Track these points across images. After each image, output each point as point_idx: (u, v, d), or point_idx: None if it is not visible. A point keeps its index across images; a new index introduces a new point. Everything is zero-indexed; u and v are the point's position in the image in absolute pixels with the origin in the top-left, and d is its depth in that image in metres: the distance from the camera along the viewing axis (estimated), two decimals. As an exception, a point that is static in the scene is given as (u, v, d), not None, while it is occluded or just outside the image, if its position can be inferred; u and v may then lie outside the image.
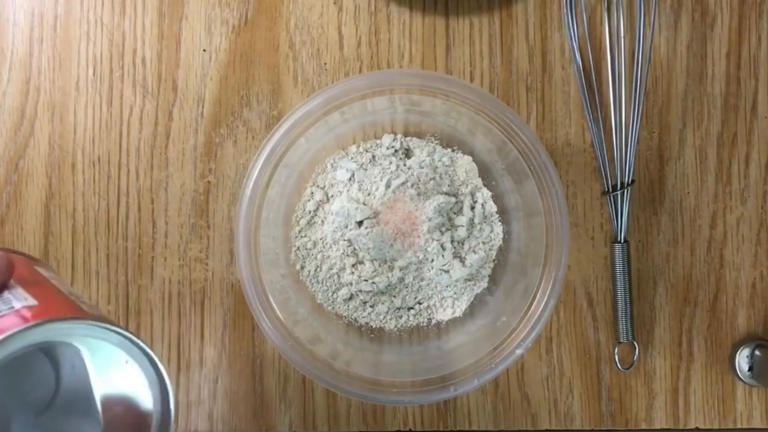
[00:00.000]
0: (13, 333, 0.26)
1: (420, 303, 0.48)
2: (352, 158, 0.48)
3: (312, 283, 0.48)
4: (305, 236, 0.48)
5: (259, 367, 0.51)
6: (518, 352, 0.43)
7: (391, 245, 0.46)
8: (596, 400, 0.51)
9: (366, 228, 0.46)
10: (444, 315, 0.48)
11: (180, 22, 0.51)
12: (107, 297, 0.51)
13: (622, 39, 0.50)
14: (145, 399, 0.30)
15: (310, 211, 0.48)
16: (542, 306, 0.43)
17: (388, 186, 0.46)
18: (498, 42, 0.52)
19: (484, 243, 0.48)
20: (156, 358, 0.29)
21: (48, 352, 0.30)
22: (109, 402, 0.30)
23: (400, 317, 0.48)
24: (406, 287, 0.47)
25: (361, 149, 0.48)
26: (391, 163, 0.47)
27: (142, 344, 0.29)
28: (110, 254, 0.51)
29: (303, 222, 0.48)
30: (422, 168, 0.46)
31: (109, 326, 0.29)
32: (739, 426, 0.51)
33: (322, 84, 0.51)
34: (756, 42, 0.52)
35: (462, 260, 0.47)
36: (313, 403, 0.51)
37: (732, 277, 0.52)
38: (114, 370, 0.30)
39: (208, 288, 0.51)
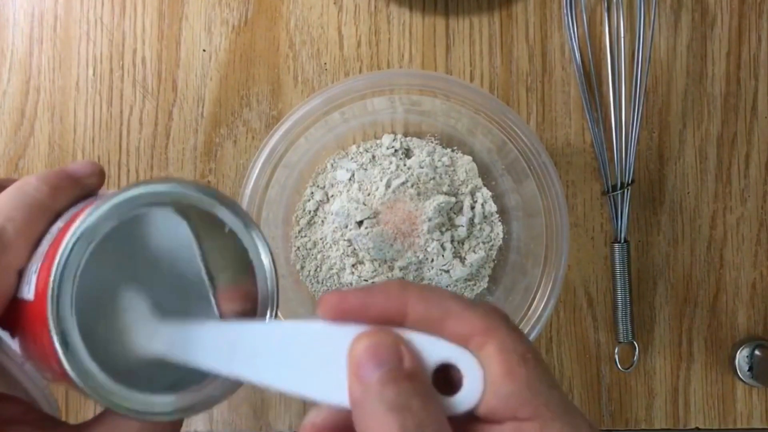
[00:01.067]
0: (121, 193, 0.27)
1: (420, 303, 0.48)
2: (352, 158, 0.48)
3: (312, 284, 0.48)
4: (305, 236, 0.48)
5: (259, 367, 0.51)
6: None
7: (391, 245, 0.46)
8: (596, 400, 0.51)
9: (366, 228, 0.46)
10: (444, 315, 0.48)
11: (180, 22, 0.51)
12: (107, 297, 0.51)
13: (622, 39, 0.50)
14: (248, 269, 0.29)
15: (310, 211, 0.48)
16: (542, 306, 0.43)
17: (388, 186, 0.46)
18: (498, 42, 0.52)
19: (484, 243, 0.48)
20: (255, 226, 0.29)
21: (149, 225, 0.30)
22: (215, 272, 0.30)
23: (400, 317, 0.48)
24: (406, 287, 0.47)
25: (361, 149, 0.48)
26: (391, 163, 0.47)
27: (240, 211, 0.29)
28: (110, 254, 0.51)
29: (303, 222, 0.48)
30: (422, 168, 0.46)
31: (207, 190, 0.28)
32: (739, 426, 0.51)
33: (322, 84, 0.51)
34: (756, 42, 0.52)
35: (462, 260, 0.47)
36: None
37: (732, 277, 0.52)
38: (216, 241, 0.29)
39: (208, 288, 0.51)
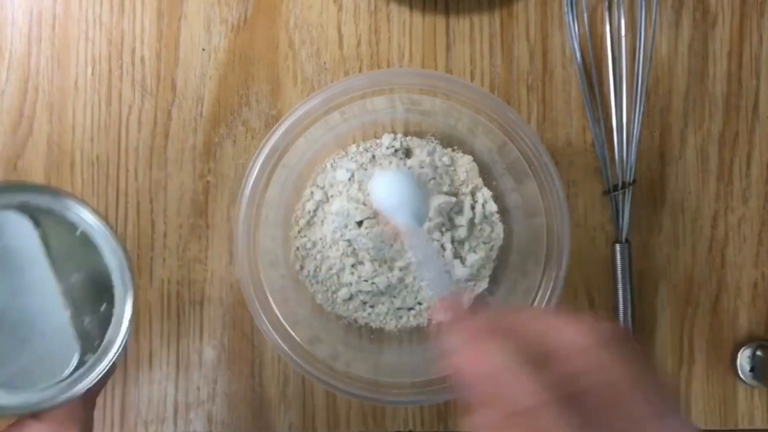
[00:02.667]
0: None
1: (420, 303, 0.48)
2: (351, 158, 0.48)
3: (312, 284, 0.48)
4: (305, 236, 0.48)
5: (258, 368, 0.50)
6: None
7: (391, 245, 0.46)
8: (597, 401, 0.51)
9: (366, 228, 0.45)
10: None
11: (179, 21, 0.51)
12: (106, 297, 0.50)
13: (624, 38, 0.50)
14: (102, 267, 0.32)
15: (309, 211, 0.48)
16: (543, 306, 0.43)
17: (388, 186, 0.46)
18: (498, 41, 0.51)
19: (484, 243, 0.47)
20: (105, 226, 0.31)
21: None
22: (65, 271, 0.32)
23: (401, 318, 0.48)
24: (406, 287, 0.47)
25: (361, 149, 0.48)
26: (391, 162, 0.47)
27: (87, 211, 0.31)
28: (109, 254, 0.50)
29: (302, 222, 0.48)
30: (422, 168, 0.46)
31: (47, 190, 0.31)
32: (740, 427, 0.51)
33: (321, 83, 0.51)
34: (757, 41, 0.52)
35: (462, 260, 0.47)
36: (313, 404, 0.50)
37: (733, 278, 0.51)
38: (66, 241, 0.32)
39: (207, 288, 0.51)
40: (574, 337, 0.26)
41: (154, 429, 0.50)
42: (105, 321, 0.32)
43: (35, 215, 0.32)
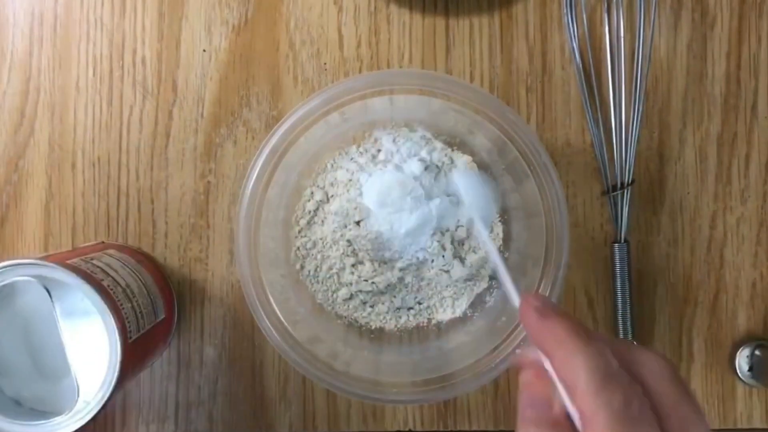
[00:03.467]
0: None
1: (420, 303, 0.48)
2: (352, 158, 0.48)
3: (312, 283, 0.48)
4: (305, 236, 0.48)
5: (259, 368, 0.51)
6: (518, 352, 0.43)
7: (391, 246, 0.46)
8: (596, 400, 0.51)
9: (365, 228, 0.45)
10: (444, 315, 0.48)
11: (180, 22, 0.51)
12: (107, 297, 0.50)
13: (622, 39, 0.50)
14: (101, 333, 0.38)
15: (309, 211, 0.48)
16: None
17: (388, 186, 0.46)
18: (498, 42, 0.52)
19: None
20: (98, 296, 0.38)
21: (19, 293, 0.40)
22: (70, 330, 0.39)
23: (400, 317, 0.48)
24: (406, 287, 0.47)
25: (361, 149, 0.48)
26: (389, 163, 0.47)
27: (86, 285, 0.38)
28: (110, 254, 0.51)
29: (303, 222, 0.48)
30: (425, 168, 0.46)
31: (58, 267, 0.37)
32: (739, 426, 0.51)
33: (322, 84, 0.51)
34: (756, 42, 0.52)
35: (462, 260, 0.47)
36: (313, 403, 0.51)
37: (732, 277, 0.52)
38: (75, 307, 0.39)
39: (208, 288, 0.51)
40: (660, 367, 0.28)
41: (155, 428, 0.51)
42: (99, 374, 0.39)
43: (48, 285, 0.38)
